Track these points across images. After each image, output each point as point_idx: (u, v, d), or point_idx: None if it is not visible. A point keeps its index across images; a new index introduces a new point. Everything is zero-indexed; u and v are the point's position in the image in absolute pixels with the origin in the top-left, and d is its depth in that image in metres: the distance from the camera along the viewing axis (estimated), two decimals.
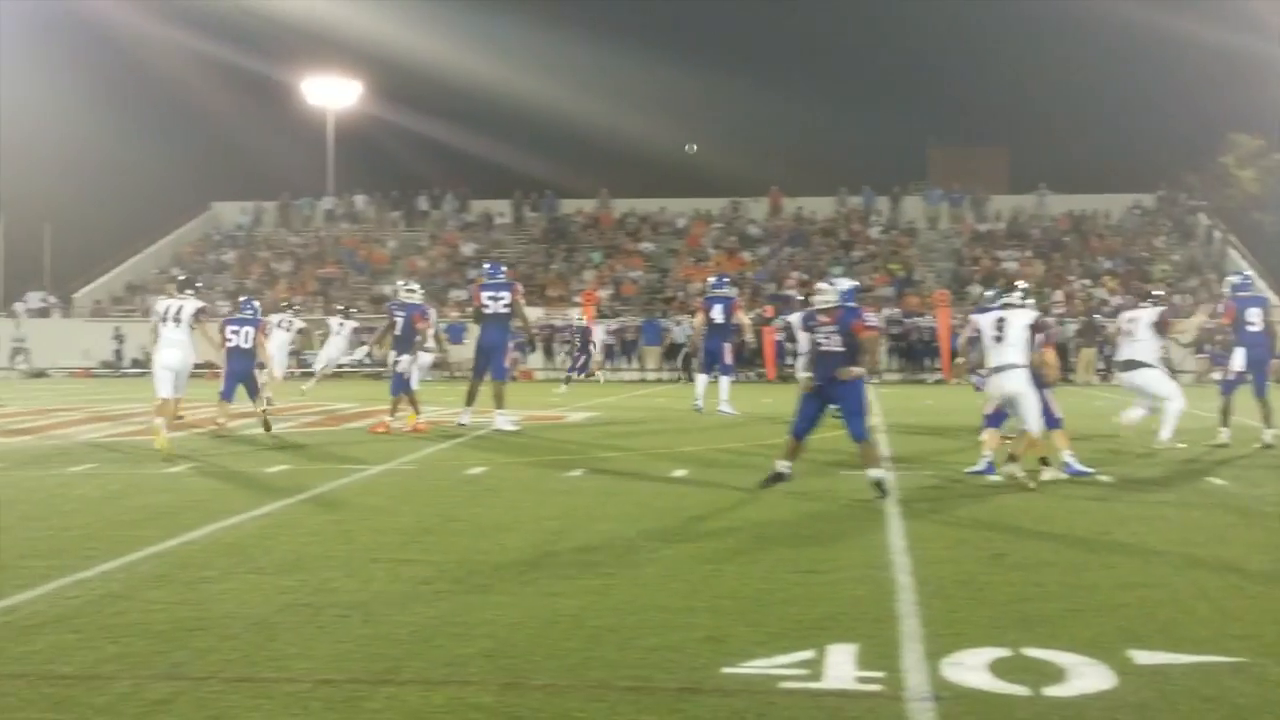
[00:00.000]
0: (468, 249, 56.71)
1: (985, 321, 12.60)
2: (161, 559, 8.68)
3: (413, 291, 19.55)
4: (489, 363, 19.29)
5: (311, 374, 30.62)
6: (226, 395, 18.21)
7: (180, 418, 17.85)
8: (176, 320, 16.85)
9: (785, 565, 8.40)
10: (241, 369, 18.04)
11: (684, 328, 44.80)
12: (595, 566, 8.34)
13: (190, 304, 17.07)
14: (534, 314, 47.19)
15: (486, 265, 20.50)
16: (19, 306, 53.65)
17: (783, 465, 12.01)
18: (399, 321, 19.06)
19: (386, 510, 10.92)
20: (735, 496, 11.74)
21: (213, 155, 74.87)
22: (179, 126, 77.32)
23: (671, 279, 52.75)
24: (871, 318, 11.94)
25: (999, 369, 12.43)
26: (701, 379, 23.41)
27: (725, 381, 22.85)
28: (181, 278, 18.95)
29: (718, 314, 22.68)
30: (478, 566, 8.36)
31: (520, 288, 20.21)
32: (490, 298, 19.13)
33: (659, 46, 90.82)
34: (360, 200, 62.23)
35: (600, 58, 76.76)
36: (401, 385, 18.87)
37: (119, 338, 48.11)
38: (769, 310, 44.14)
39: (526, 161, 71.17)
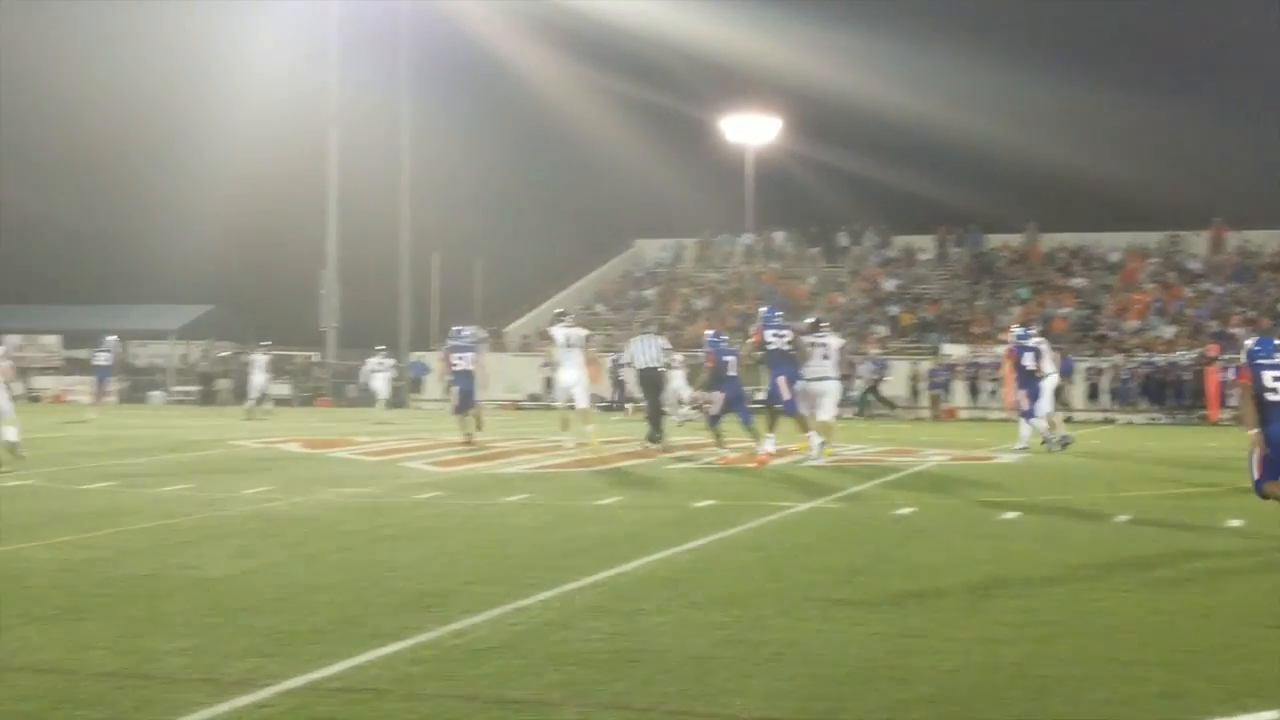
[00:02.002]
0: (889, 285, 56.35)
1: None
2: (597, 589, 8.83)
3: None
4: (776, 395, 19.89)
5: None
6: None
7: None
8: (580, 346, 21.35)
9: (1244, 618, 7.84)
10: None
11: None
12: (1036, 613, 7.98)
13: (583, 332, 21.66)
14: (958, 351, 46.41)
15: (763, 309, 21.24)
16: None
17: None
18: (729, 361, 20.51)
19: (815, 548, 10.82)
20: (1183, 543, 11.09)
21: (635, 194, 77.00)
22: (603, 166, 79.88)
23: (1104, 315, 50.88)
24: None
25: None
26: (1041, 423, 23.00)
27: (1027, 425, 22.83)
28: (559, 310, 23.07)
29: (1029, 360, 22.65)
30: (912, 609, 8.14)
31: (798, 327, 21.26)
32: (774, 335, 19.79)
33: (1091, 71, 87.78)
34: (779, 236, 62.72)
35: (1026, 85, 74.81)
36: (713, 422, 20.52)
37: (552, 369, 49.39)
38: (1213, 349, 42.05)
39: (950, 195, 69.96)
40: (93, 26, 72.39)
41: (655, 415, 22.40)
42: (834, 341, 20.47)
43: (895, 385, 45.16)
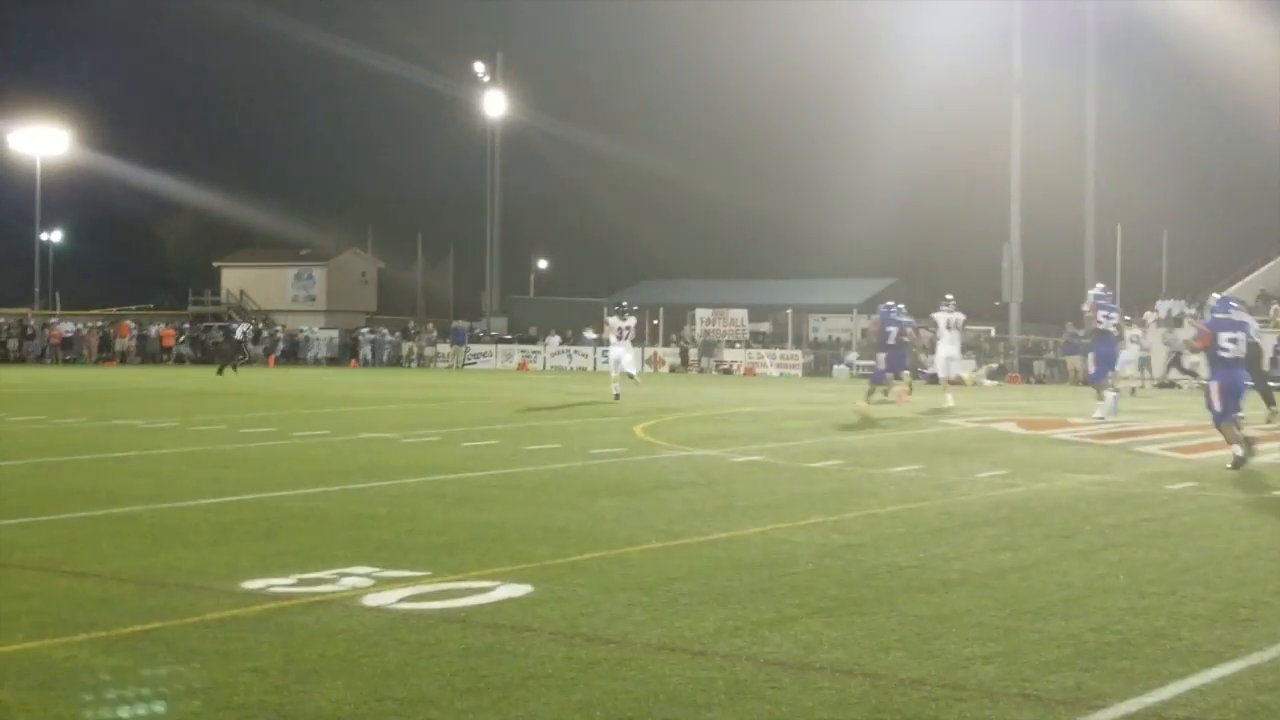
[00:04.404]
0: None
1: None
2: None
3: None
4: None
5: None
6: None
7: None
8: (959, 328, 27.19)
9: None
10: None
11: None
12: None
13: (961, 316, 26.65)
14: None
15: (948, 296, 27.77)
16: (1149, 316, 53.80)
17: None
18: None
19: None
20: None
21: None
22: None
23: None
24: None
25: None
26: None
27: None
28: (948, 296, 27.87)
29: None
30: None
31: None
32: (1104, 316, 22.52)
33: None
34: None
35: None
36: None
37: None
38: None
39: None
40: (774, 14, 74.91)
41: (1266, 390, 22.31)
42: None
43: None
